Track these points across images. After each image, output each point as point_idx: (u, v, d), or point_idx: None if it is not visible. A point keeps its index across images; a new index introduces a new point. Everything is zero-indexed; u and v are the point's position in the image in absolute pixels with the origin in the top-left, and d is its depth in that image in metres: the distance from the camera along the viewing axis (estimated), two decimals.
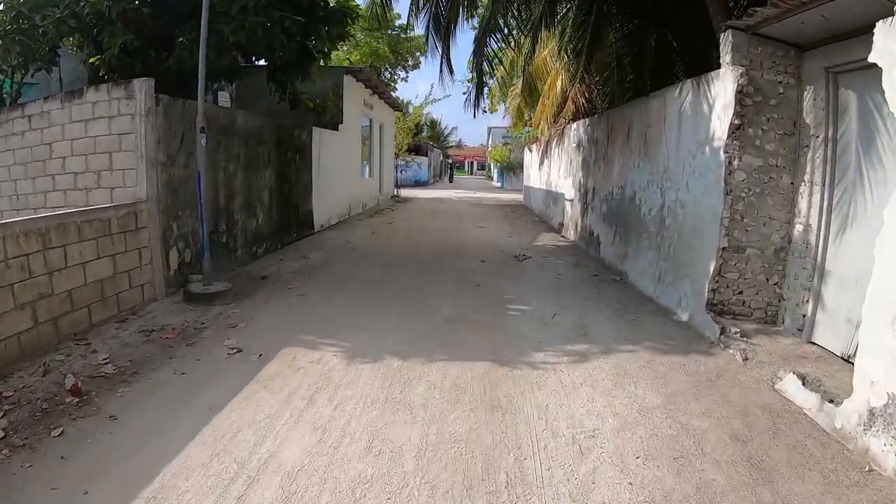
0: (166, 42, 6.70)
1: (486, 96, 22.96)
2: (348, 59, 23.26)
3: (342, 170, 12.93)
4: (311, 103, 9.92)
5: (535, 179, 16.48)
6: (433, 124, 48.11)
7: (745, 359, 4.45)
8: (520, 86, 13.65)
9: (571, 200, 10.96)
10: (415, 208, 17.54)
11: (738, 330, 4.86)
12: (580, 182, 10.33)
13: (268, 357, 4.23)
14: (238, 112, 7.80)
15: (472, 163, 78.93)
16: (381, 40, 31.55)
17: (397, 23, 32.90)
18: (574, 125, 11.06)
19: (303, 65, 8.18)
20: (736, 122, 4.93)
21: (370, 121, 16.52)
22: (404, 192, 24.44)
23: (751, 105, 4.96)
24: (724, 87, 5.08)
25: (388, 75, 34.82)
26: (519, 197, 24.47)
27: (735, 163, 4.97)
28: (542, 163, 14.09)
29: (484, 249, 9.29)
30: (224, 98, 11.40)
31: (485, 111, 24.35)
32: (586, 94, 11.72)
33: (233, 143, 7.22)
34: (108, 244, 5.06)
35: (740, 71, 4.88)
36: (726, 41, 5.10)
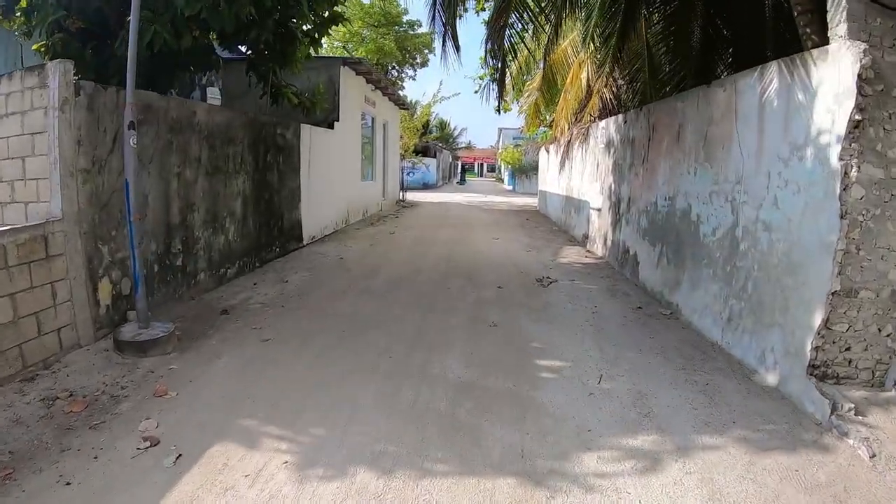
0: (117, 23, 5.39)
1: (496, 94, 21.61)
2: (351, 55, 21.96)
3: (339, 173, 11.58)
4: (295, 98, 8.58)
5: (552, 184, 15.05)
6: (442, 125, 46.87)
7: (872, 455, 3.09)
8: (537, 80, 12.24)
9: (599, 210, 9.53)
10: (421, 214, 16.16)
11: (851, 405, 3.47)
12: (610, 189, 8.91)
13: (189, 460, 2.86)
14: (198, 105, 6.45)
15: (481, 164, 77.68)
16: (387, 36, 30.27)
17: (405, 18, 31.83)
18: (602, 123, 9.64)
19: (285, 51, 6.85)
20: (857, 117, 3.52)
21: (372, 119, 15.17)
22: (411, 196, 23.08)
23: (871, 95, 3.54)
24: (835, 69, 3.66)
25: (396, 73, 33.57)
26: (533, 202, 23.05)
27: (853, 173, 3.55)
28: (562, 166, 12.67)
29: (499, 269, 7.90)
30: (214, 94, 10.11)
31: (498, 111, 22.92)
32: (614, 89, 10.32)
33: (191, 143, 5.86)
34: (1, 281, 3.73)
35: (862, 48, 3.47)
36: (839, 6, 3.69)
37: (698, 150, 5.59)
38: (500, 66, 8.40)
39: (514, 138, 37.69)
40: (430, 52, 33.20)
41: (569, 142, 11.99)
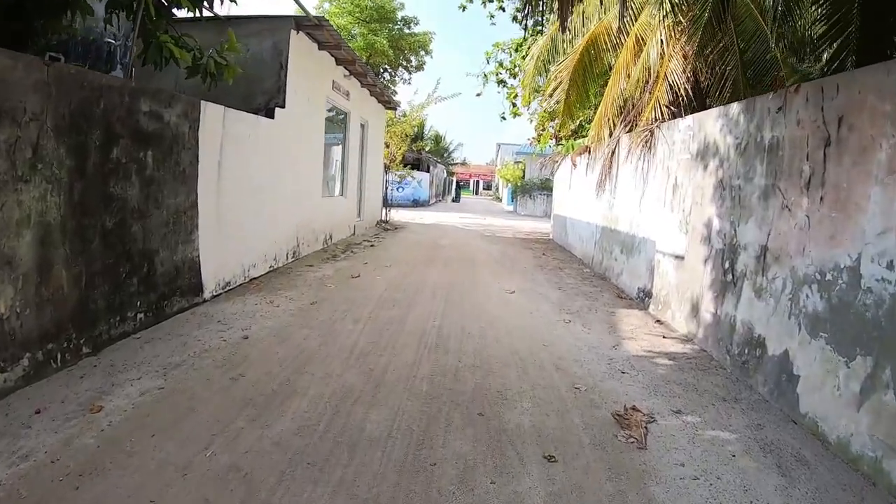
0: None
1: (506, 94, 18.17)
2: None
3: (284, 183, 7.99)
4: (185, 53, 5.07)
5: (578, 208, 11.50)
6: (437, 138, 43.60)
7: None
8: (569, 66, 8.74)
9: (679, 258, 5.98)
10: (406, 242, 12.52)
11: None
12: (709, 227, 5.37)
13: None
14: None
15: (477, 182, 74.57)
16: (380, 33, 26.93)
17: (400, 14, 28.51)
18: (687, 121, 6.14)
19: None
20: None
21: (345, 115, 11.61)
22: (399, 216, 19.52)
23: None
24: None
25: (388, 76, 30.19)
26: (542, 227, 19.55)
27: None
28: (600, 185, 9.12)
29: (533, 377, 4.23)
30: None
31: (503, 118, 19.45)
32: (692, 74, 6.89)
33: None
34: None
35: None
36: None
37: None
38: None
39: (516, 153, 34.33)
40: (427, 53, 29.93)
41: (613, 151, 8.48)
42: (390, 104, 15.33)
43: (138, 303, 4.69)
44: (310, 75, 8.83)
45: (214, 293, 5.98)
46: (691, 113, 6.42)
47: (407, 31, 28.45)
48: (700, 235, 5.54)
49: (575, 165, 11.11)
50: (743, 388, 4.31)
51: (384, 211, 16.38)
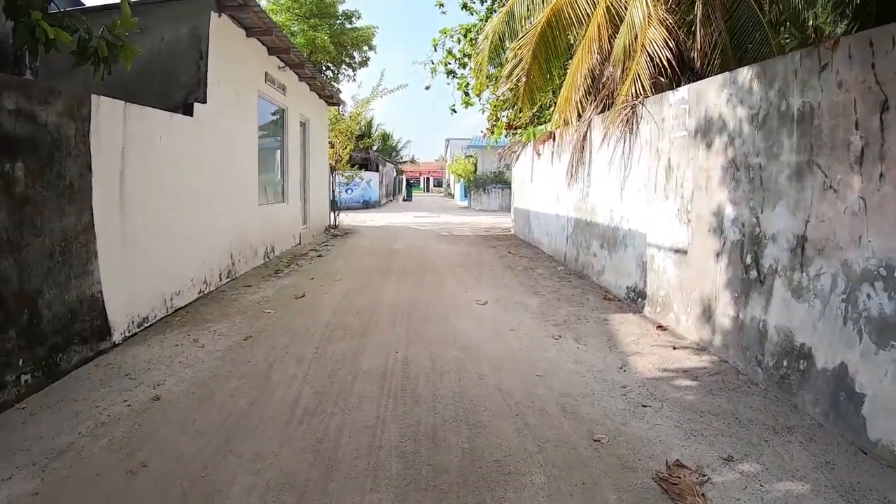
0: None
1: (456, 86, 17.21)
2: None
3: (211, 191, 6.80)
4: (65, 34, 3.89)
5: (544, 199, 10.70)
6: (385, 137, 42.32)
7: None
8: (527, 42, 7.84)
9: (682, 251, 5.19)
10: (357, 248, 11.42)
11: None
12: (720, 215, 4.58)
13: None
14: None
15: (427, 179, 73.66)
16: (320, 29, 25.51)
17: (341, 8, 27.13)
18: (681, 93, 5.34)
19: None
20: None
21: (283, 112, 10.42)
22: (349, 219, 18.35)
23: None
24: None
25: (332, 74, 28.75)
26: (502, 222, 18.80)
27: None
28: (571, 173, 8.31)
29: (534, 430, 3.29)
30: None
31: (454, 110, 18.55)
32: (674, 44, 6.16)
33: None
34: None
35: None
36: None
37: None
38: None
39: (467, 147, 33.54)
40: (371, 49, 28.65)
41: (585, 135, 7.67)
42: (333, 100, 14.15)
43: (20, 361, 3.52)
44: (237, 66, 7.65)
45: (127, 334, 4.80)
46: (677, 87, 5.64)
47: (349, 25, 27.13)
48: (707, 225, 4.75)
49: (539, 154, 10.30)
50: (788, 410, 3.52)
51: (332, 215, 15.19)
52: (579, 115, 7.69)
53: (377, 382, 3.91)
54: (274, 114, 10.01)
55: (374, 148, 36.09)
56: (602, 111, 7.44)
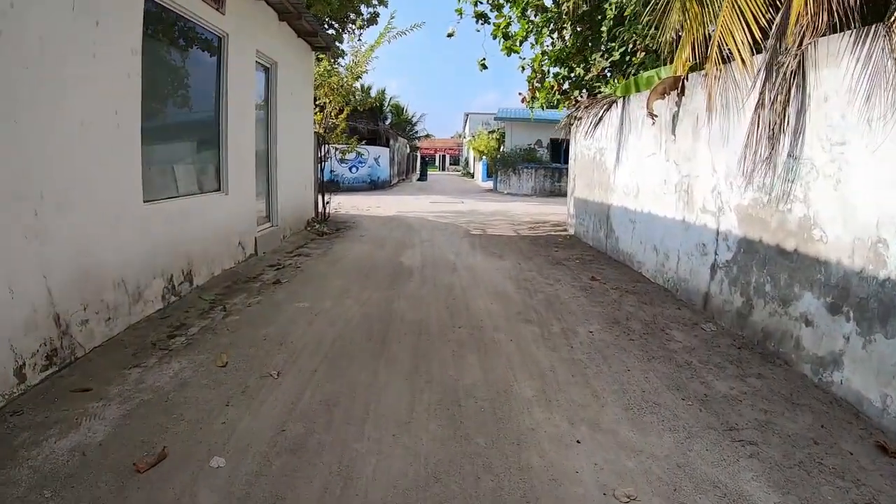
0: None
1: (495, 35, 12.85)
2: None
3: (20, 181, 2.75)
4: None
5: (655, 192, 6.52)
6: (399, 110, 37.96)
7: None
8: None
9: None
10: (341, 269, 7.21)
11: None
12: None
13: None
14: None
15: (443, 156, 69.09)
16: None
17: None
18: None
19: None
20: None
21: (220, 42, 6.29)
22: (350, 204, 14.29)
23: None
24: None
25: (334, 32, 24.39)
26: (542, 210, 14.64)
27: None
28: (756, 149, 4.15)
29: None
30: None
31: (484, 66, 14.27)
32: None
33: None
34: None
35: None
36: None
37: None
38: None
39: (494, 119, 29.09)
40: (382, 2, 24.22)
41: (792, 78, 3.50)
42: (320, 43, 9.97)
43: None
44: None
45: None
46: None
47: None
48: None
49: (653, 116, 6.06)
50: None
51: (321, 203, 11.12)
52: (753, 43, 3.54)
53: None
54: (195, 40, 5.88)
55: (388, 121, 31.78)
56: (825, 33, 3.29)
